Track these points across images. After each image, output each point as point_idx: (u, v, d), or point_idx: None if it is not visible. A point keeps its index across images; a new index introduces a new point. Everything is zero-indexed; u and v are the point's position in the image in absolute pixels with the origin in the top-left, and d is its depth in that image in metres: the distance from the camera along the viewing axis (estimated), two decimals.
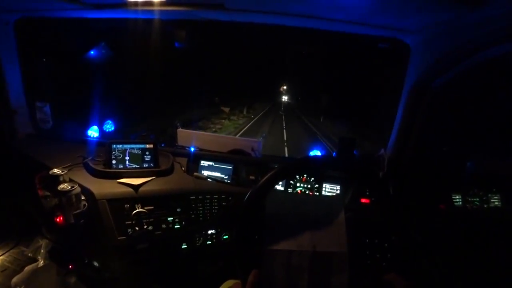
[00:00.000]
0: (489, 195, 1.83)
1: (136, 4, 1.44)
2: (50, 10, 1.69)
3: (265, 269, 0.79)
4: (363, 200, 1.63)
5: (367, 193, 1.63)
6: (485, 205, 1.82)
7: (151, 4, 1.42)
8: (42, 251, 1.97)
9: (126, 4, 1.47)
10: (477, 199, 1.82)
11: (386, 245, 0.88)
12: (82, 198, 1.28)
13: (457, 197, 1.78)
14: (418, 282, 0.83)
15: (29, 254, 2.01)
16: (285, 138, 11.37)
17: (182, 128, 1.90)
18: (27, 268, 1.82)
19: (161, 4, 1.40)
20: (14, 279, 1.74)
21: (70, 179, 1.34)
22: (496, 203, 1.84)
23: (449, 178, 1.85)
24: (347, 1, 1.10)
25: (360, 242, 0.88)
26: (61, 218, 1.23)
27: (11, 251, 2.08)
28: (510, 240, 1.59)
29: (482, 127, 2.46)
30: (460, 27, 1.14)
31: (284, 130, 14.78)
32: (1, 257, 2.02)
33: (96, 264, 1.43)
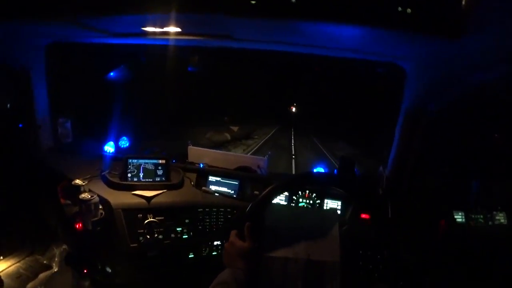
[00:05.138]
0: (494, 212, 1.82)
1: (154, 33, 1.61)
2: (78, 37, 1.89)
3: (263, 275, 0.87)
4: (363, 216, 1.68)
5: (367, 209, 1.68)
6: (490, 223, 1.81)
7: (166, 34, 1.59)
8: (56, 259, 2.05)
9: (145, 34, 1.64)
10: (481, 216, 1.80)
11: (378, 257, 0.93)
12: (100, 207, 1.40)
13: (460, 214, 1.78)
14: None
15: (44, 261, 2.09)
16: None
17: (192, 146, 2.02)
18: (42, 275, 1.89)
19: (175, 34, 1.57)
20: (29, 285, 1.81)
21: (89, 189, 1.46)
22: (502, 220, 1.83)
23: (450, 196, 1.87)
24: (341, 33, 1.23)
25: (354, 253, 0.94)
26: (80, 224, 1.35)
27: (26, 259, 2.17)
28: None
29: (484, 148, 2.50)
30: (446, 57, 1.24)
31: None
32: (17, 265, 2.10)
33: (108, 269, 1.52)
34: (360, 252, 0.95)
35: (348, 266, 0.89)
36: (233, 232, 0.93)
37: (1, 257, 2.08)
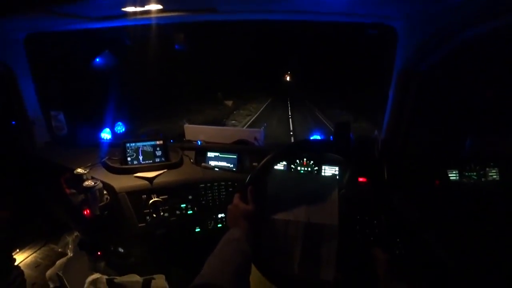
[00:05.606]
0: (487, 169, 1.84)
1: (135, 13, 1.55)
2: (58, 25, 1.81)
3: (266, 236, 0.92)
4: (361, 179, 1.72)
5: (364, 172, 1.72)
6: (483, 179, 1.83)
7: (148, 12, 1.53)
8: (70, 245, 2.14)
9: (126, 15, 1.59)
10: (475, 173, 1.83)
11: (375, 222, 0.97)
12: (105, 192, 1.44)
13: (454, 172, 1.81)
14: (400, 257, 0.94)
15: (59, 249, 2.18)
16: None
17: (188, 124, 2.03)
18: (59, 262, 1.98)
19: (158, 11, 1.52)
20: (48, 272, 1.90)
21: (92, 176, 1.49)
22: (494, 176, 1.85)
23: (445, 155, 1.89)
24: None
25: (352, 217, 0.98)
26: (88, 211, 1.40)
27: (42, 249, 2.26)
28: (509, 212, 1.64)
29: (477, 107, 2.51)
30: (435, 12, 1.22)
31: None
32: (34, 255, 2.19)
33: (121, 250, 1.60)
34: (358, 217, 0.98)
35: (346, 229, 0.93)
36: (237, 195, 0.98)
37: (18, 250, 2.17)
